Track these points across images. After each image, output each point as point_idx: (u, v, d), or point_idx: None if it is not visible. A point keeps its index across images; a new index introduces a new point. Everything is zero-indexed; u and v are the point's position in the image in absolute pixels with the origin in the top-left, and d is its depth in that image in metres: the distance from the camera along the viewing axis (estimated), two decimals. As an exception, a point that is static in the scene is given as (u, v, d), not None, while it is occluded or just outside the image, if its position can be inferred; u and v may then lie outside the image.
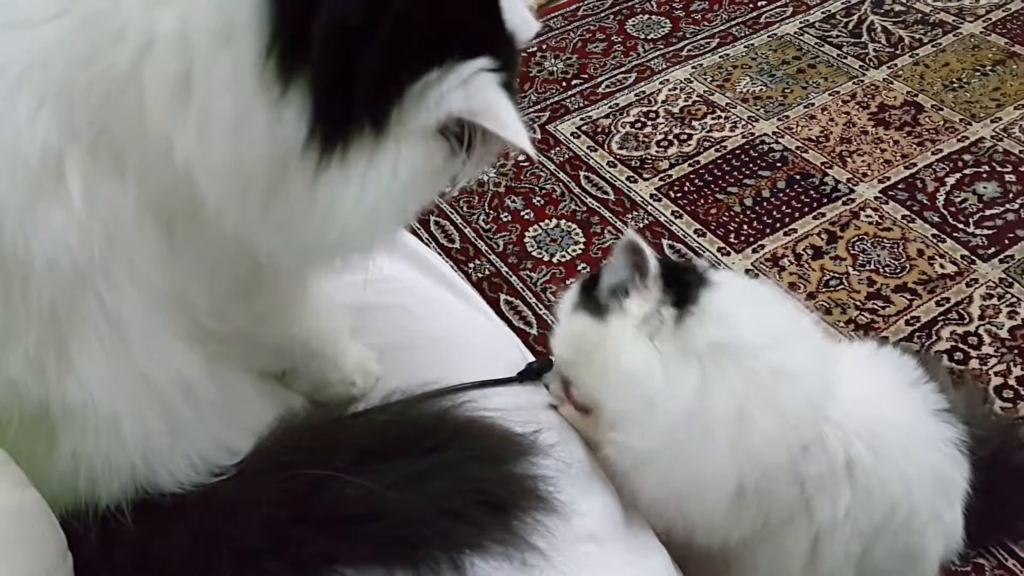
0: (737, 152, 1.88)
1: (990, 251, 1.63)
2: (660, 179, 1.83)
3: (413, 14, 0.55)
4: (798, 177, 1.81)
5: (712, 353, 0.81)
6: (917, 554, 0.89)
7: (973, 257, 1.62)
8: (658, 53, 2.18)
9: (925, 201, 1.74)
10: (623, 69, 2.14)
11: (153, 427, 0.65)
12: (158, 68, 0.54)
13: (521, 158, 1.90)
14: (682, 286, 0.84)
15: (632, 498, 0.86)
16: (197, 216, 0.59)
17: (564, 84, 2.11)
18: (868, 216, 1.71)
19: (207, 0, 0.53)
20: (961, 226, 1.68)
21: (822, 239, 1.68)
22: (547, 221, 1.76)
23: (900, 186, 1.77)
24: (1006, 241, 1.64)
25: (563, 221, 1.76)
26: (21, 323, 0.58)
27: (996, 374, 1.42)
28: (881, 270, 1.61)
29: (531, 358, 0.98)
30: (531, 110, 2.00)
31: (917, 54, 2.10)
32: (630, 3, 2.36)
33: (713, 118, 1.98)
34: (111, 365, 0.61)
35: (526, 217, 1.77)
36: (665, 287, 0.84)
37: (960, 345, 1.47)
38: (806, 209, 1.74)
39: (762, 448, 0.80)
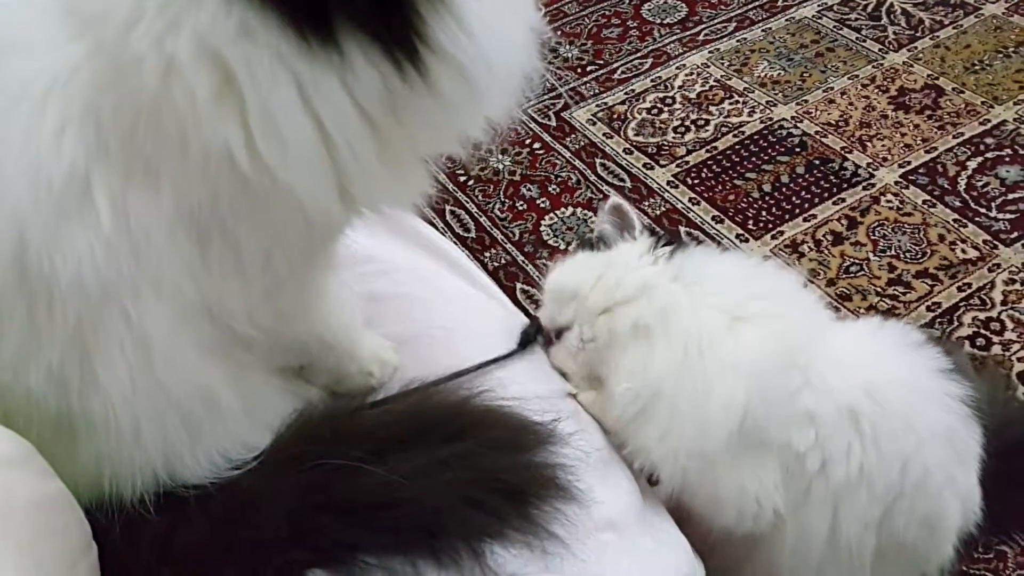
0: (755, 137, 1.87)
1: (1012, 235, 1.61)
2: (677, 165, 1.82)
3: None
4: (817, 162, 1.80)
5: (703, 281, 0.89)
6: (936, 521, 0.89)
7: (995, 242, 1.60)
8: (674, 38, 2.17)
9: (946, 185, 1.72)
10: (639, 55, 2.13)
11: (173, 433, 0.66)
12: (189, 87, 0.54)
13: (536, 145, 1.89)
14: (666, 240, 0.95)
15: (644, 462, 0.88)
16: (245, 218, 0.60)
17: (579, 70, 2.09)
18: (888, 201, 1.70)
19: (213, 12, 0.53)
20: (983, 210, 1.66)
21: (842, 225, 1.66)
22: (563, 209, 1.76)
23: (921, 170, 1.75)
24: (1029, 225, 1.62)
25: (579, 209, 1.75)
26: (45, 338, 0.59)
27: (1019, 360, 1.41)
28: (902, 256, 1.59)
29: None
30: (545, 97, 2.00)
31: (938, 36, 2.07)
32: (646, -12, 2.34)
33: (731, 103, 1.96)
34: (133, 378, 0.62)
35: (542, 205, 1.77)
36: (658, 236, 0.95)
37: (982, 331, 1.46)
38: (825, 195, 1.73)
39: (756, 361, 0.84)
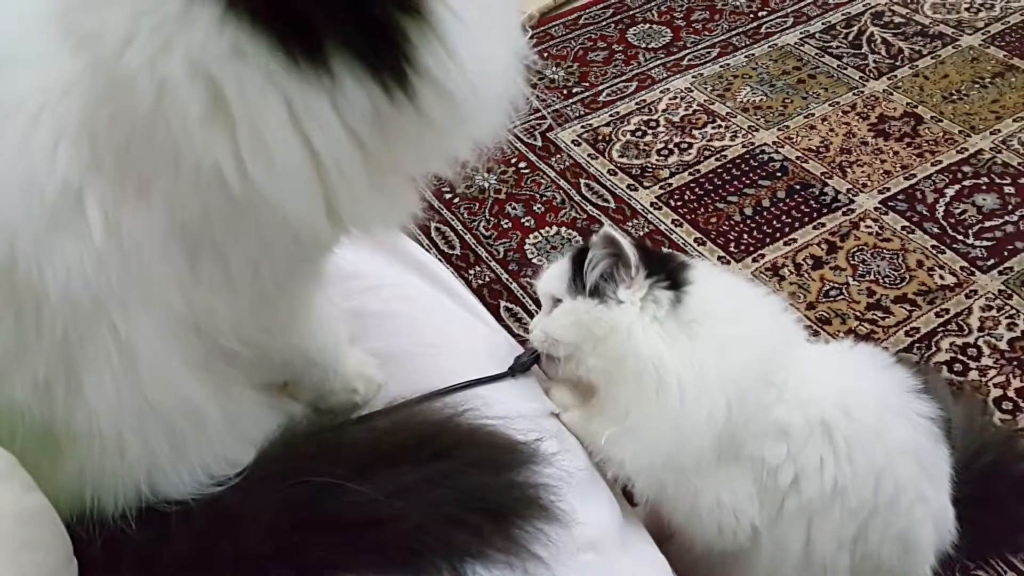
0: (737, 161, 1.89)
1: (989, 263, 1.63)
2: (660, 187, 1.84)
3: None
4: (798, 187, 1.82)
5: (699, 321, 0.89)
6: (910, 540, 0.90)
7: (972, 268, 1.62)
8: (659, 62, 2.19)
9: (925, 212, 1.74)
10: (624, 78, 2.15)
11: (157, 448, 0.66)
12: (181, 105, 0.54)
13: (522, 165, 1.90)
14: (669, 270, 0.92)
15: (626, 481, 0.89)
16: (233, 235, 0.60)
17: (565, 92, 2.11)
18: (868, 227, 1.72)
19: (205, 33, 0.53)
20: (960, 237, 1.68)
21: (822, 249, 1.68)
22: (548, 228, 1.77)
23: (900, 197, 1.78)
24: (1005, 253, 1.65)
25: (563, 228, 1.76)
26: (32, 349, 0.59)
27: (995, 385, 1.43)
28: (881, 281, 1.61)
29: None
30: (532, 118, 2.01)
31: (917, 66, 2.11)
32: (631, 12, 2.37)
33: (713, 127, 1.98)
34: (119, 391, 0.62)
35: (527, 224, 1.78)
36: (652, 272, 0.90)
37: (959, 356, 1.48)
38: (806, 219, 1.75)
39: (735, 378, 0.85)
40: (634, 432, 0.87)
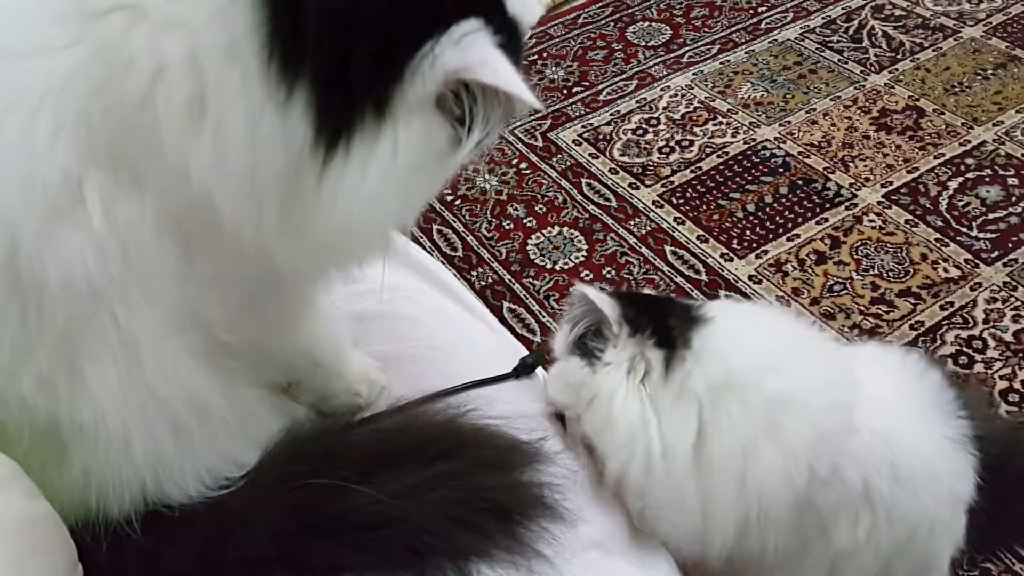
0: (739, 158, 1.89)
1: (994, 255, 1.63)
2: (662, 185, 1.84)
3: None
4: (800, 182, 1.82)
5: (712, 393, 0.79)
6: (932, 565, 0.90)
7: (977, 261, 1.62)
8: (659, 60, 2.19)
9: (928, 205, 1.74)
10: (624, 76, 2.15)
11: (163, 444, 0.66)
12: (170, 92, 0.55)
13: (523, 166, 1.90)
14: (667, 327, 0.82)
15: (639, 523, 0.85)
16: (214, 232, 0.60)
17: (565, 92, 2.11)
18: (871, 221, 1.72)
19: (211, 21, 0.54)
20: (964, 230, 1.68)
21: (825, 244, 1.68)
22: (550, 228, 1.77)
23: (903, 191, 1.77)
24: (1010, 245, 1.64)
25: (565, 228, 1.76)
26: (35, 341, 0.59)
27: (1001, 378, 1.42)
28: (885, 275, 1.61)
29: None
30: (532, 118, 2.01)
31: (918, 58, 2.11)
32: (630, 10, 2.36)
33: (715, 124, 1.98)
34: (123, 384, 0.62)
35: (528, 225, 1.78)
36: (649, 328, 0.82)
37: (965, 349, 1.47)
38: (809, 214, 1.74)
39: (769, 484, 0.79)
40: (654, 509, 0.81)
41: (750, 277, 1.62)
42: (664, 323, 0.82)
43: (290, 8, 0.54)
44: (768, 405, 0.79)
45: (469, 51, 0.56)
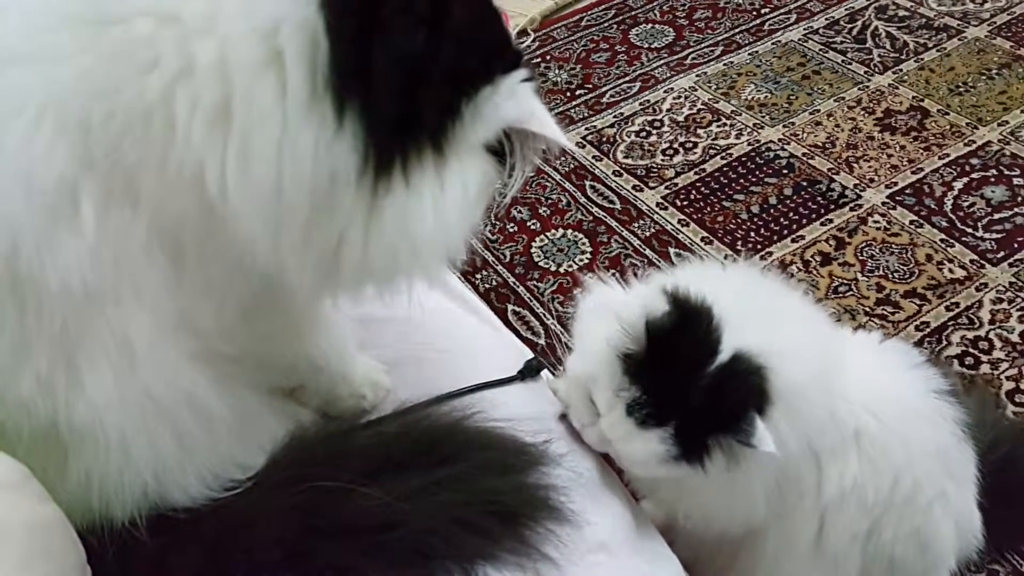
0: (743, 159, 1.89)
1: (999, 255, 1.62)
2: (666, 187, 1.84)
3: (467, 35, 0.59)
4: (805, 184, 1.81)
5: None
6: (927, 540, 0.89)
7: (982, 261, 1.61)
8: (662, 62, 2.19)
9: (933, 206, 1.73)
10: (627, 78, 2.15)
11: (163, 446, 0.66)
12: (194, 96, 0.56)
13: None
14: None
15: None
16: (211, 243, 0.61)
17: (568, 94, 2.11)
18: (876, 222, 1.71)
19: (250, 32, 0.55)
20: (970, 230, 1.67)
21: (830, 245, 1.68)
22: (553, 231, 1.77)
23: (907, 191, 1.77)
24: (1015, 245, 1.64)
25: (569, 231, 1.76)
26: (34, 343, 0.59)
27: (1008, 379, 1.42)
28: (890, 276, 1.61)
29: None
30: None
31: (922, 59, 2.10)
32: (633, 13, 2.37)
33: (718, 126, 1.98)
34: (120, 386, 0.62)
35: (532, 227, 1.78)
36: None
37: (971, 350, 1.47)
38: (813, 216, 1.74)
39: (789, 446, 0.81)
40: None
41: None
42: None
43: (359, 44, 0.55)
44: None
45: (523, 104, 0.65)
